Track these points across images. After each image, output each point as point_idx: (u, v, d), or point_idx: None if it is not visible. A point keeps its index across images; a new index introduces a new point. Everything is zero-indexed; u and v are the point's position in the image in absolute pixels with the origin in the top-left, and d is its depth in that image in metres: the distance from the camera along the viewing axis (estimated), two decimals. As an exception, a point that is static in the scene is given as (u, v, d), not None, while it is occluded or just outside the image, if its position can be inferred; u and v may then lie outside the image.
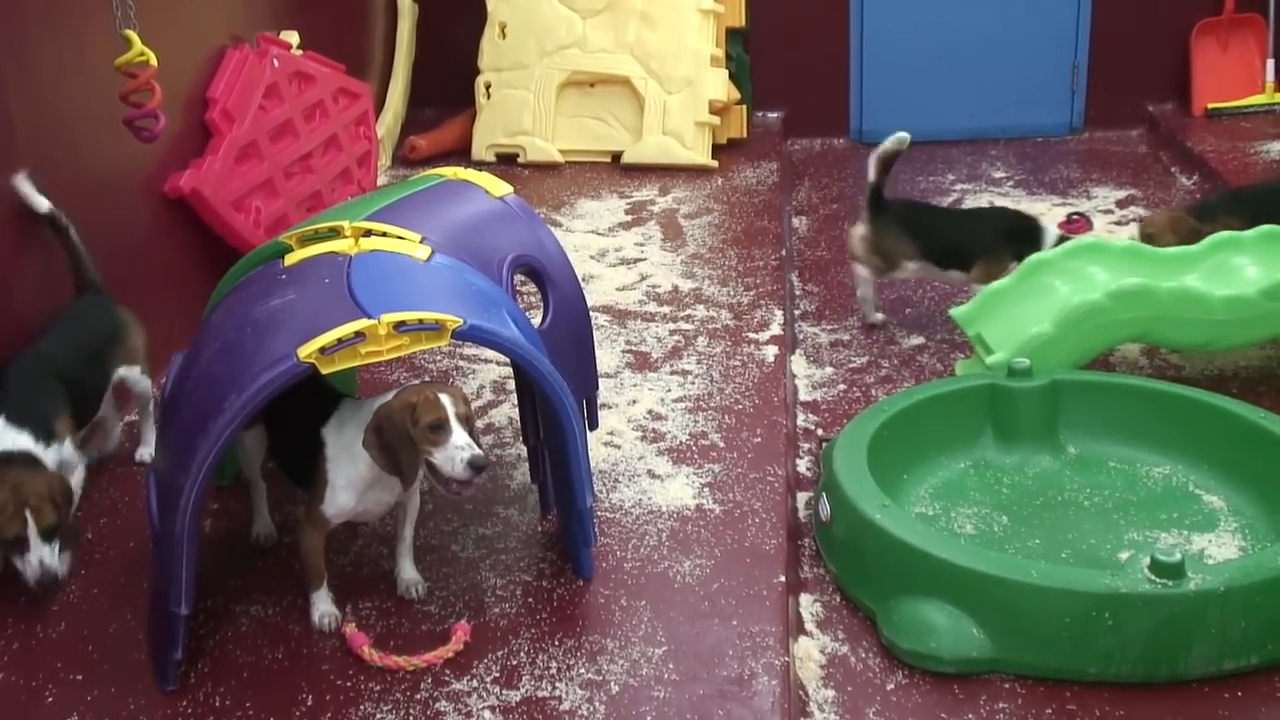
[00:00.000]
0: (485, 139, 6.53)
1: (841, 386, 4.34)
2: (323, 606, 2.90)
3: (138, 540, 3.22)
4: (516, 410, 3.47)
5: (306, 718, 2.62)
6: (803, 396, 4.30)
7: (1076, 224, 5.61)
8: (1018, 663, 2.90)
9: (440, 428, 2.67)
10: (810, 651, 3.00)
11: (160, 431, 2.90)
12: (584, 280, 4.13)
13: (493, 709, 2.62)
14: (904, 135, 4.51)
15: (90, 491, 3.49)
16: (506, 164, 6.43)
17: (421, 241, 2.95)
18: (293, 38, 5.11)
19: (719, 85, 6.33)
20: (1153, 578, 2.82)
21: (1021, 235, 4.51)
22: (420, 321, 2.59)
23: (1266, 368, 4.28)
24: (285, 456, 3.02)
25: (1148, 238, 4.47)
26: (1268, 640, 2.85)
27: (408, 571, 3.02)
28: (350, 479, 2.78)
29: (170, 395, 2.88)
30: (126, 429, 3.84)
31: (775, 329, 4.43)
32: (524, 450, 3.44)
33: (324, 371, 2.55)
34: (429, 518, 3.32)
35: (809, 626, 3.12)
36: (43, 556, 2.87)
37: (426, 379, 4.12)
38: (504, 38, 6.54)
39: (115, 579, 3.11)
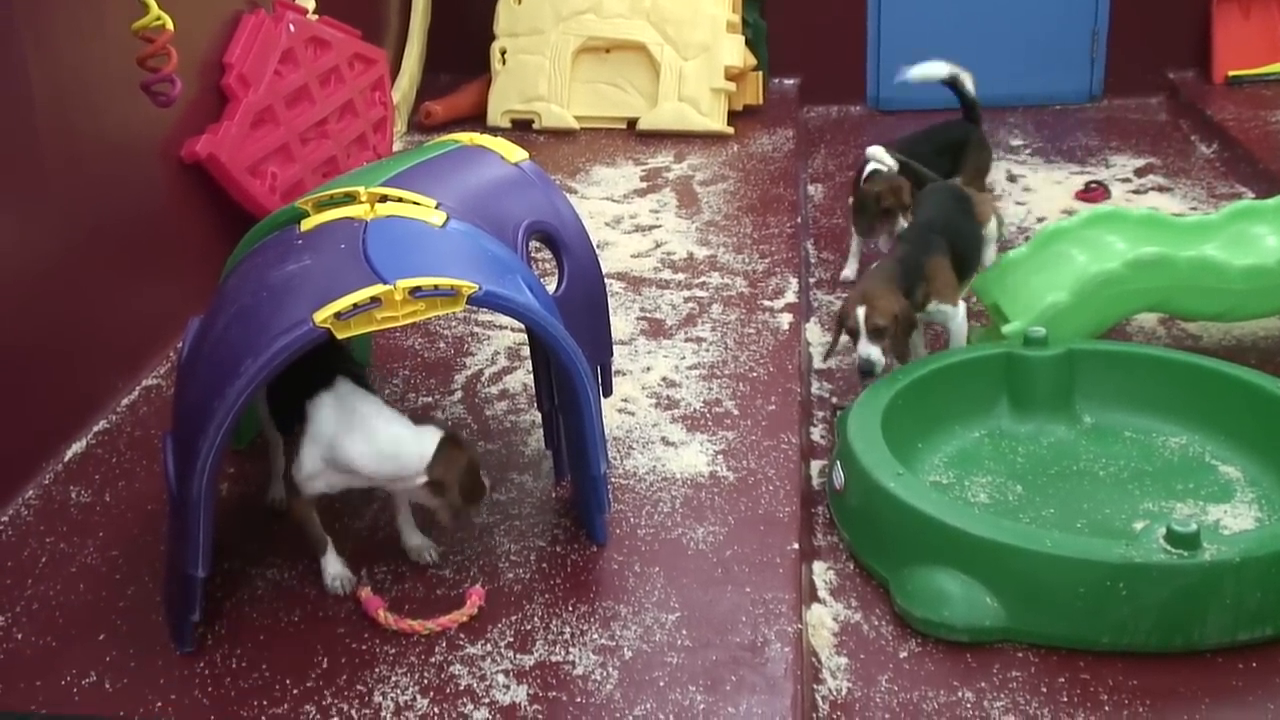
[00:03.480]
0: (501, 105, 6.51)
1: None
2: (333, 570, 2.92)
3: (155, 504, 3.24)
4: (531, 376, 3.47)
5: (322, 680, 2.64)
6: (817, 364, 4.29)
7: (1095, 192, 5.58)
8: (1031, 632, 2.90)
9: None
10: (823, 619, 3.01)
11: (177, 396, 2.92)
12: (599, 247, 4.13)
13: (506, 673, 2.63)
14: None
15: (108, 457, 3.52)
16: (522, 130, 6.41)
17: (437, 207, 2.95)
18: (309, 2, 5.09)
19: (735, 51, 6.29)
20: (1168, 548, 2.81)
21: None
22: (435, 287, 2.59)
23: (1284, 338, 4.26)
24: (280, 415, 3.00)
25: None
26: (1282, 611, 2.85)
27: (414, 538, 3.03)
28: (315, 458, 2.78)
29: (187, 360, 2.89)
30: (144, 393, 3.86)
31: (790, 297, 4.42)
32: (538, 416, 3.44)
33: (339, 337, 2.55)
34: (444, 483, 3.33)
35: (822, 594, 3.12)
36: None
37: (440, 345, 4.13)
38: (519, 3, 6.51)
39: (133, 542, 3.13)
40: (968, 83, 4.84)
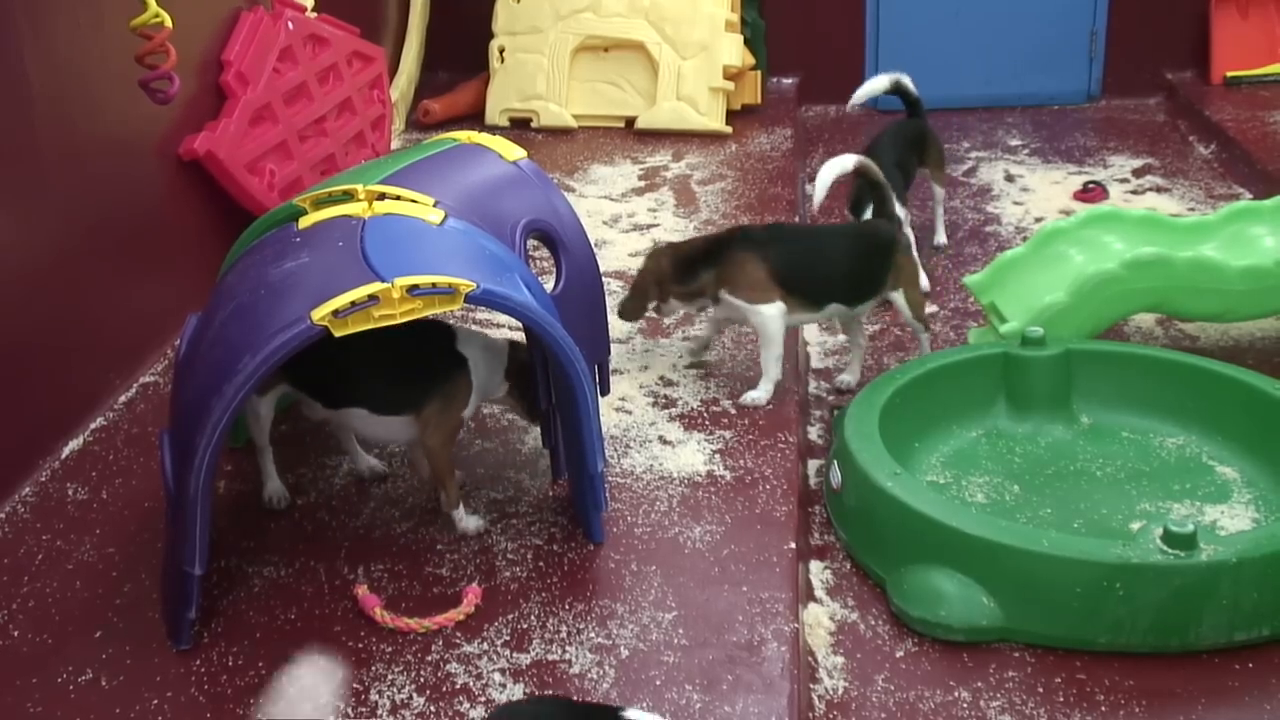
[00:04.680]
0: (499, 103, 6.50)
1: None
2: (472, 523, 3.09)
3: (153, 501, 3.24)
4: (529, 375, 3.47)
5: (319, 678, 2.64)
6: (815, 364, 4.29)
7: (1093, 193, 5.58)
8: (1028, 632, 2.90)
9: None
10: (820, 618, 3.01)
11: (174, 393, 2.92)
12: (597, 245, 4.13)
13: (503, 671, 2.63)
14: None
15: (105, 454, 3.52)
16: (520, 128, 6.41)
17: (435, 205, 2.95)
18: (307, 0, 5.09)
19: (734, 50, 6.29)
20: (1165, 548, 2.82)
21: None
22: (433, 285, 2.59)
23: (1282, 339, 4.26)
24: (384, 388, 3.04)
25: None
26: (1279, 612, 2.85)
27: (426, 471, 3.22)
28: (478, 391, 3.07)
29: (185, 357, 2.89)
30: (141, 390, 3.85)
31: (788, 296, 4.42)
32: (536, 415, 3.44)
33: (337, 335, 2.55)
34: (441, 481, 3.34)
35: (819, 593, 3.12)
36: None
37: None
38: (518, 2, 6.51)
39: (131, 539, 3.13)
40: (909, 84, 4.94)
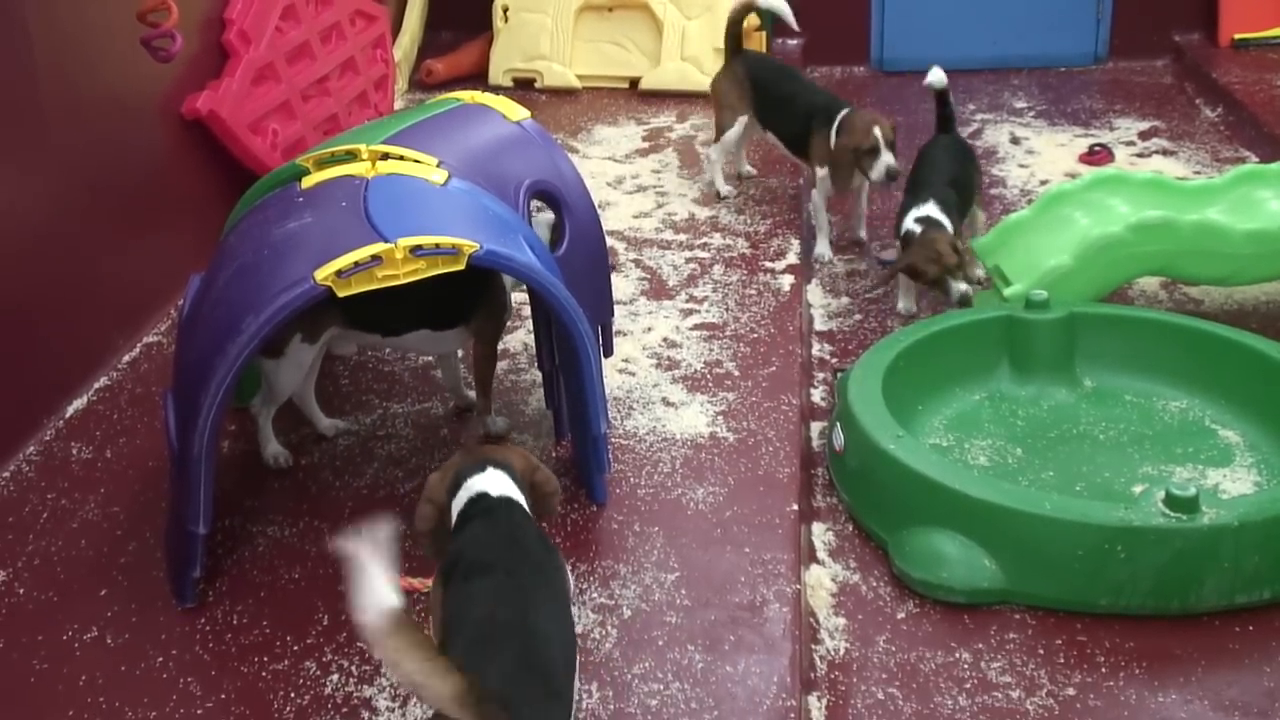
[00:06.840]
0: (502, 63, 6.47)
1: (857, 316, 4.33)
2: (501, 423, 3.37)
3: (157, 460, 3.25)
4: (532, 336, 3.47)
5: (322, 636, 2.65)
6: (818, 326, 4.29)
7: (1098, 155, 5.55)
8: (1029, 594, 2.91)
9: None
10: (822, 580, 3.02)
11: (178, 353, 2.92)
12: (600, 207, 4.12)
13: (507, 631, 2.64)
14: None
15: (109, 413, 3.52)
16: (524, 89, 6.38)
17: (438, 165, 2.94)
18: (309, -42, 5.05)
19: (739, 10, 6.24)
20: (1166, 511, 2.82)
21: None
22: (437, 245, 2.59)
23: (1287, 303, 4.25)
24: (440, 307, 3.16)
25: None
26: None
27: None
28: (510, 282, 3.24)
29: (188, 317, 2.89)
30: (145, 349, 3.86)
31: (792, 258, 4.42)
32: (539, 376, 3.45)
33: (340, 295, 2.55)
34: (443, 444, 3.34)
35: (821, 555, 3.13)
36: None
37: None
38: (522, -40, 6.47)
39: (135, 498, 3.14)
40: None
